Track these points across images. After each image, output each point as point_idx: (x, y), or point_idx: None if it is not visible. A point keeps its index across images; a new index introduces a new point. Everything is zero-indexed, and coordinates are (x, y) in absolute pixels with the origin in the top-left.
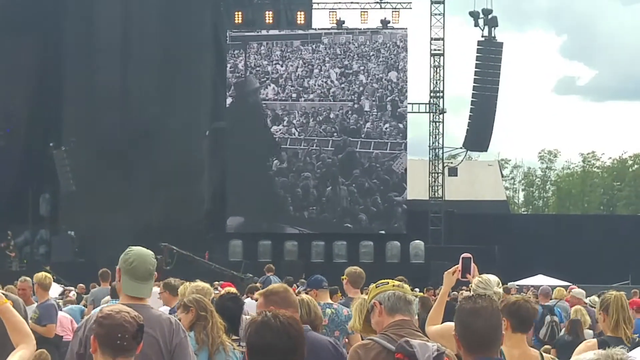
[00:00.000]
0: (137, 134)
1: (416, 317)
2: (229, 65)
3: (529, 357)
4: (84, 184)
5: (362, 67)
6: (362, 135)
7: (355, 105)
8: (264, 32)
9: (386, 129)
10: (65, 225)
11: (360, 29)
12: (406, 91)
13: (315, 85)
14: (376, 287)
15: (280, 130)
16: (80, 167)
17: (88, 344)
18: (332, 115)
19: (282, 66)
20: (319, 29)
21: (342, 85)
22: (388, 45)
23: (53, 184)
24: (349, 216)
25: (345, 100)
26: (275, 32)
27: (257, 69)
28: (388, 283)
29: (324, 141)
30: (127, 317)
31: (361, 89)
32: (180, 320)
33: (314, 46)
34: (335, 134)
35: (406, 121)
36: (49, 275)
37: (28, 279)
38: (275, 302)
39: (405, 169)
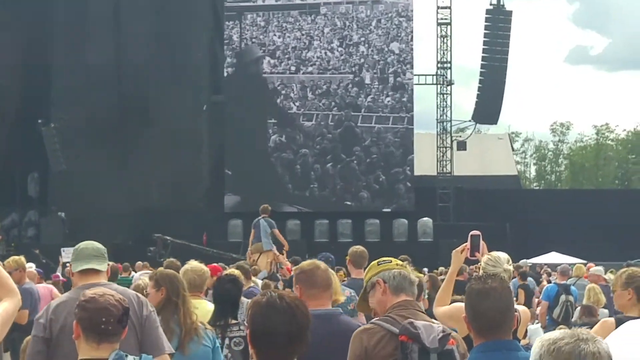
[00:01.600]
0: (131, 110)
1: (426, 297)
2: (225, 37)
3: None
4: (75, 163)
5: (362, 38)
6: (363, 110)
7: (356, 78)
8: (259, 2)
9: (388, 102)
10: (55, 206)
11: None
12: (410, 63)
13: (314, 57)
14: (378, 265)
15: (278, 104)
16: (70, 145)
17: (53, 327)
18: (332, 89)
19: (279, 38)
20: None
21: (342, 57)
22: (390, 15)
23: (42, 163)
24: (350, 194)
25: (345, 73)
26: (272, 2)
27: (253, 40)
28: (391, 261)
29: (323, 115)
30: (111, 300)
31: (362, 60)
32: (148, 296)
33: (312, 17)
34: (335, 108)
35: (410, 94)
36: (17, 259)
37: (18, 259)
38: (301, 281)
39: (412, 143)
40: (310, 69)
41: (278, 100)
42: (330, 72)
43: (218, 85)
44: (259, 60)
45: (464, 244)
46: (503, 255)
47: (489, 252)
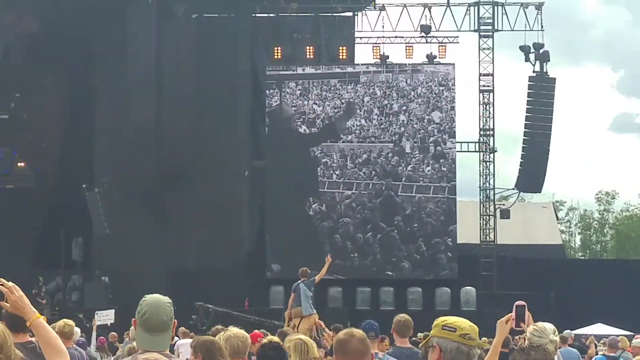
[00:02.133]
0: (172, 174)
1: None
2: (266, 105)
3: None
4: (117, 227)
5: (403, 107)
6: (404, 179)
7: (396, 147)
8: (300, 71)
9: (429, 171)
10: (99, 270)
11: (405, 65)
12: (452, 132)
13: (354, 126)
14: (442, 328)
15: (318, 172)
16: (113, 209)
17: None
18: (372, 157)
19: (319, 106)
20: (361, 64)
21: (382, 126)
22: (430, 83)
23: (86, 227)
24: (390, 264)
25: (385, 142)
26: (312, 70)
27: (293, 108)
28: (455, 330)
29: (364, 184)
30: None
31: (402, 129)
32: None
33: (352, 85)
34: (375, 176)
35: (452, 163)
36: (69, 322)
37: (70, 322)
38: (337, 350)
39: (454, 213)
40: (350, 137)
41: (318, 169)
42: (370, 140)
43: (259, 150)
44: (298, 127)
45: (509, 315)
46: (549, 326)
47: (534, 322)
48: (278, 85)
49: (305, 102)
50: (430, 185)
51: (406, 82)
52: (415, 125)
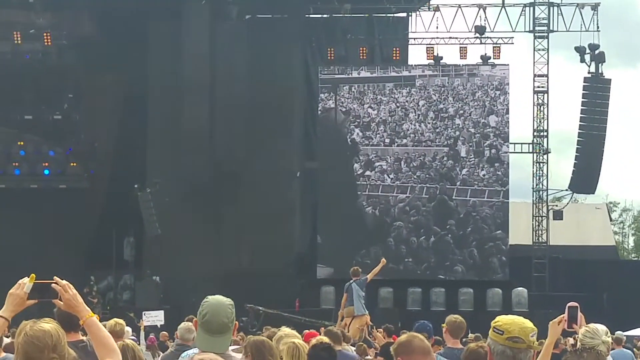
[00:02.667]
0: (224, 175)
1: None
2: (319, 108)
3: None
4: (169, 227)
5: (458, 111)
6: (459, 183)
7: (451, 151)
8: (355, 75)
9: (484, 175)
10: (150, 270)
11: (461, 67)
12: (506, 136)
13: (409, 129)
14: (493, 331)
15: (372, 176)
16: (165, 210)
17: None
18: (426, 161)
19: (374, 110)
20: (415, 65)
21: (437, 130)
22: (486, 88)
23: (138, 227)
24: (443, 268)
25: (440, 146)
26: (367, 74)
27: (348, 111)
28: (503, 333)
29: (418, 188)
30: None
31: (457, 133)
32: None
33: (407, 89)
34: (430, 180)
35: (506, 168)
36: (120, 321)
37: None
38: (400, 353)
39: (507, 218)
40: (404, 141)
41: (372, 172)
42: (425, 144)
43: (312, 151)
44: (352, 130)
45: (561, 316)
46: (601, 327)
47: (586, 323)
48: (332, 89)
49: (360, 106)
50: (485, 189)
51: (462, 85)
52: (470, 129)
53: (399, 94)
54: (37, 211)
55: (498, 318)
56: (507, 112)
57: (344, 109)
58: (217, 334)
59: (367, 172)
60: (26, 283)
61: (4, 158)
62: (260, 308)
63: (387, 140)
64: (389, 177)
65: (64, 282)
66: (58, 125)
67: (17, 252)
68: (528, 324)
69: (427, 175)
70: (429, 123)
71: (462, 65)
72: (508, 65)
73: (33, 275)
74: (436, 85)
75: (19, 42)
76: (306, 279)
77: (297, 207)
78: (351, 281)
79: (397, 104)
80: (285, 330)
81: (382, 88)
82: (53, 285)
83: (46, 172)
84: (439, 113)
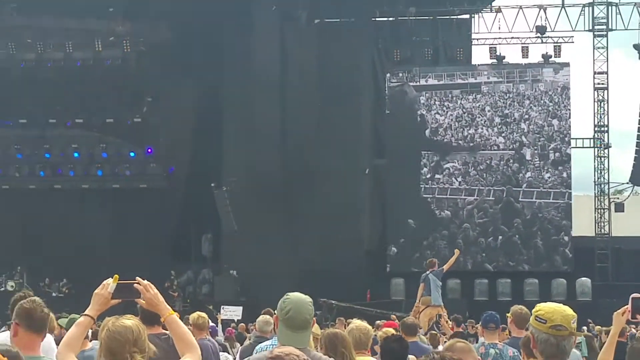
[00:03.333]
0: (297, 173)
1: (583, 358)
2: (385, 109)
3: None
4: (245, 223)
5: (523, 115)
6: (524, 185)
7: (517, 155)
8: (422, 82)
9: (548, 178)
10: (228, 264)
11: (523, 70)
12: (570, 138)
13: (475, 134)
14: (535, 319)
15: (440, 179)
16: (241, 206)
17: None
18: (493, 164)
19: (441, 115)
20: (479, 65)
21: (503, 134)
22: (550, 93)
23: (215, 224)
24: (510, 267)
25: (506, 149)
26: (434, 81)
27: (415, 114)
28: (546, 322)
29: (486, 191)
30: (295, 359)
31: (522, 137)
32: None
33: (473, 95)
34: (496, 183)
35: (569, 170)
36: (202, 314)
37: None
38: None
39: (571, 220)
40: (471, 145)
41: (440, 176)
42: (491, 148)
43: (380, 149)
44: (421, 134)
45: (625, 307)
46: None
47: None
48: (401, 94)
49: (428, 112)
50: (550, 191)
51: (526, 91)
52: (535, 133)
53: (465, 100)
54: (119, 210)
55: (539, 307)
56: (570, 117)
57: (412, 114)
58: (299, 330)
59: (437, 175)
60: (110, 284)
61: (88, 160)
62: (334, 302)
63: (455, 145)
64: (457, 180)
65: (146, 282)
66: (138, 128)
67: (100, 250)
68: (569, 311)
69: (493, 178)
70: (495, 128)
71: (525, 65)
72: (568, 63)
73: (116, 276)
74: (501, 92)
75: (100, 49)
76: (376, 272)
77: (367, 203)
78: (427, 272)
79: (464, 110)
80: (356, 322)
81: (448, 94)
82: (135, 285)
83: (127, 172)
84: (504, 118)
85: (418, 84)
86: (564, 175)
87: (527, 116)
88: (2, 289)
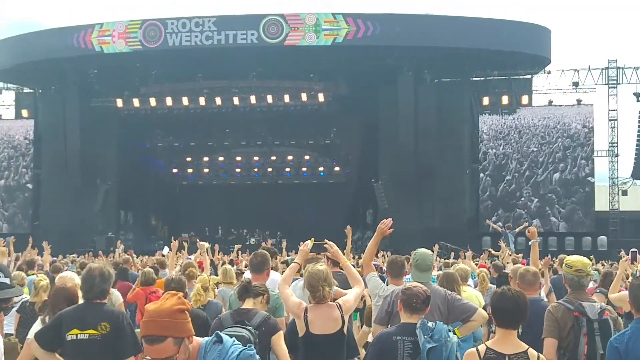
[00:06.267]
0: (423, 173)
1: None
2: (479, 133)
3: None
4: (391, 203)
5: (564, 137)
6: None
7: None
8: (510, 123)
9: (582, 175)
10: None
11: (562, 105)
12: (592, 150)
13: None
14: (565, 266)
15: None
16: (389, 193)
17: (394, 305)
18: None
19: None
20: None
21: (545, 146)
22: (580, 123)
23: (374, 203)
24: (555, 229)
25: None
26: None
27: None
28: (571, 267)
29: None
30: (420, 289)
31: (562, 150)
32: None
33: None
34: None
35: (594, 169)
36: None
37: None
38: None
39: (593, 197)
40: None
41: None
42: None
43: (475, 157)
44: (508, 168)
45: (627, 257)
46: None
47: None
48: (490, 134)
49: (510, 147)
50: (580, 182)
51: (565, 125)
52: (573, 147)
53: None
54: (316, 196)
55: (568, 258)
56: (593, 137)
57: (495, 149)
58: (424, 271)
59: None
60: (309, 243)
61: (297, 166)
62: (449, 244)
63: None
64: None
65: (331, 242)
66: (327, 146)
67: (307, 225)
68: (587, 261)
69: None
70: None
71: (565, 106)
72: (592, 104)
73: (312, 239)
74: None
75: (306, 99)
76: (473, 232)
77: (467, 190)
78: (507, 232)
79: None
80: (460, 265)
81: (527, 130)
82: (325, 245)
83: (321, 174)
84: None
85: (504, 125)
86: (587, 171)
87: (567, 137)
88: (247, 243)
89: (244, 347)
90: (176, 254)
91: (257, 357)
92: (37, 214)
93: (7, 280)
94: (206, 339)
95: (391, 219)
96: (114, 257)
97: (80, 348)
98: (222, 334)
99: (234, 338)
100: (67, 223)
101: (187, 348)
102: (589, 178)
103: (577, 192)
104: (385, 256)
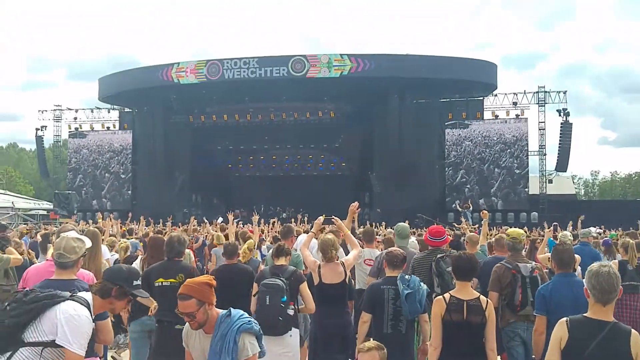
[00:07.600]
0: (407, 163)
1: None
2: (446, 141)
3: None
4: (383, 188)
5: (504, 141)
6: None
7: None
8: (465, 131)
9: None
10: (377, 207)
11: (507, 119)
12: (528, 152)
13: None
14: (506, 234)
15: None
16: (382, 182)
17: (381, 264)
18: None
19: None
20: (485, 119)
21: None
22: (518, 133)
23: (370, 189)
24: (499, 207)
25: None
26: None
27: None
28: (509, 236)
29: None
30: (399, 252)
31: (503, 152)
32: None
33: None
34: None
35: (528, 164)
36: (368, 228)
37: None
38: None
39: (528, 189)
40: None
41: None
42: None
43: (441, 155)
44: (471, 165)
45: (550, 228)
46: (567, 232)
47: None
48: (452, 140)
49: (467, 149)
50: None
51: (507, 132)
52: (517, 150)
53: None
54: (329, 185)
55: (508, 230)
56: (527, 144)
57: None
58: (403, 239)
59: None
60: (321, 218)
61: (315, 162)
62: (424, 216)
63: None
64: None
65: (337, 218)
66: (337, 149)
67: (321, 205)
68: (521, 231)
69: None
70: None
71: (507, 119)
72: (527, 118)
73: (324, 215)
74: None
75: (321, 115)
76: (440, 209)
77: (437, 179)
78: (466, 210)
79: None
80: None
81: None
82: (333, 219)
83: (332, 168)
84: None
85: (461, 135)
86: (524, 166)
87: (505, 142)
88: (280, 216)
89: (244, 322)
90: (233, 223)
91: (257, 328)
92: (134, 196)
93: (140, 282)
94: (222, 312)
95: (357, 202)
96: (187, 228)
97: (164, 292)
98: (233, 310)
99: (241, 312)
100: (155, 203)
101: (206, 311)
102: (524, 171)
103: (516, 181)
104: (378, 227)
